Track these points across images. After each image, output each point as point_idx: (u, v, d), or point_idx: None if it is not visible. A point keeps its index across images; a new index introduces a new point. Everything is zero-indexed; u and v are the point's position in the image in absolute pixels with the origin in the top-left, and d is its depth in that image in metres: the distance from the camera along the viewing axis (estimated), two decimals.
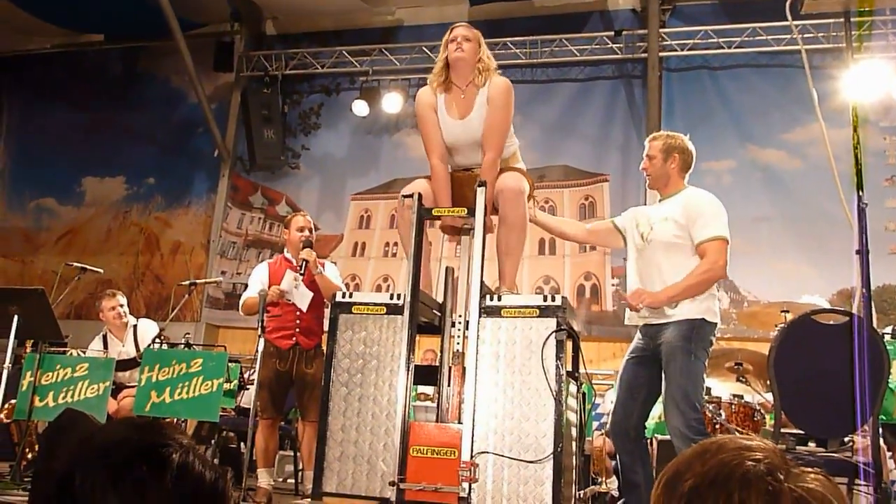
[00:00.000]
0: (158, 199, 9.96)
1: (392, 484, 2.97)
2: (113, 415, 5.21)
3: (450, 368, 3.27)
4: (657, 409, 4.00)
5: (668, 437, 3.69)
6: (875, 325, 3.77)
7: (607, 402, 6.16)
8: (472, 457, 2.95)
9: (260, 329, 4.49)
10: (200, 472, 1.04)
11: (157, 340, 5.36)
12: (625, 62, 8.68)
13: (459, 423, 3.07)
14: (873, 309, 3.58)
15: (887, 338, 5.07)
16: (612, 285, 7.91)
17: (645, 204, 7.94)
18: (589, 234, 4.20)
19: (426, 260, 3.60)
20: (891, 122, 7.89)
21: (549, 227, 4.11)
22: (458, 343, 3.25)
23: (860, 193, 3.52)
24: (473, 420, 3.02)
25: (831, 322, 3.29)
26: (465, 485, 2.92)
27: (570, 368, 3.48)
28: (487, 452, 3.04)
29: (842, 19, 7.65)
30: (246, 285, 5.14)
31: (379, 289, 8.61)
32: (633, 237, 3.76)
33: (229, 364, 5.23)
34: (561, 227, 4.25)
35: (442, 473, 2.97)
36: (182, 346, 5.67)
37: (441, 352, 3.38)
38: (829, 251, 7.33)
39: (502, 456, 3.02)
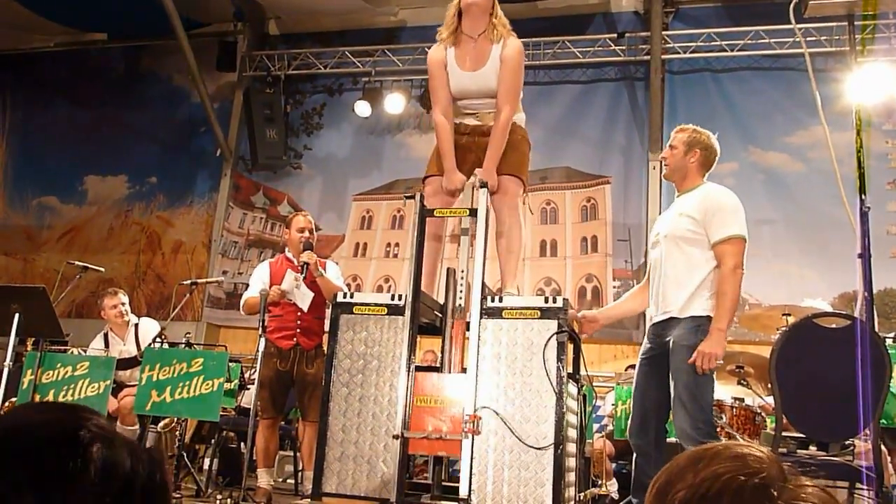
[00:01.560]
0: (160, 198, 9.96)
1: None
2: (113, 413, 5.22)
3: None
4: None
5: (673, 438, 3.68)
6: (877, 328, 3.76)
7: (608, 405, 6.16)
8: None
9: (261, 329, 4.50)
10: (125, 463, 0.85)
11: (158, 339, 5.36)
12: (627, 64, 8.67)
13: None
14: (875, 313, 3.58)
15: (889, 342, 5.07)
16: (614, 287, 7.90)
17: (647, 207, 7.98)
18: (644, 284, 3.87)
19: (432, 259, 3.60)
20: (894, 126, 7.88)
21: (620, 315, 3.96)
22: (461, 298, 3.25)
23: (863, 197, 3.52)
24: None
25: (833, 326, 3.29)
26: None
27: (570, 370, 3.48)
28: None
29: (845, 22, 7.65)
30: (247, 285, 5.14)
31: (380, 289, 8.60)
32: (653, 242, 3.73)
33: (230, 364, 5.23)
34: (624, 308, 4.01)
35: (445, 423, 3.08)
36: (183, 345, 5.67)
37: (442, 353, 3.38)
38: (831, 254, 7.32)
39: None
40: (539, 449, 3.00)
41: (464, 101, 3.70)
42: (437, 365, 3.44)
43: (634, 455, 3.68)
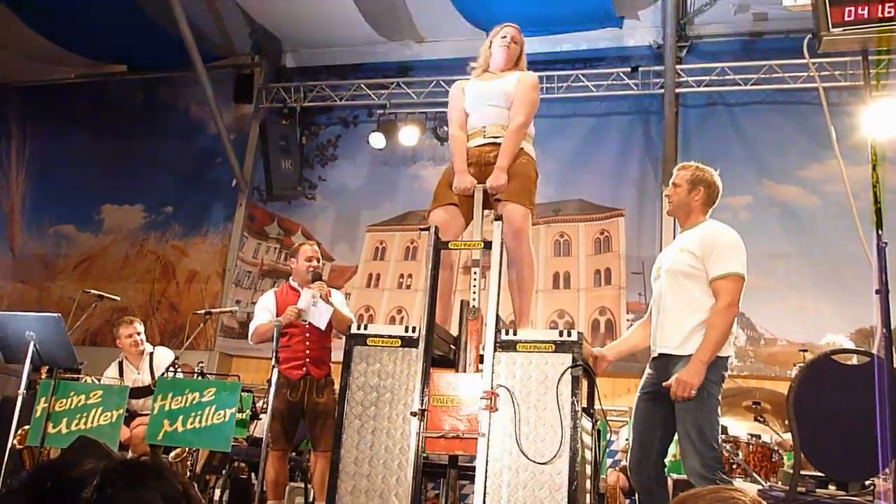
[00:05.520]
0: (176, 228, 10.03)
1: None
2: (125, 442, 5.21)
3: None
4: (673, 447, 3.94)
5: (684, 476, 3.63)
6: (895, 365, 3.71)
7: (622, 439, 6.09)
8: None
9: (274, 359, 4.48)
10: None
11: (172, 369, 5.37)
12: (641, 98, 8.71)
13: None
14: (893, 349, 3.53)
15: None
16: (627, 320, 7.86)
17: (661, 239, 7.95)
18: (648, 318, 3.83)
19: (446, 292, 3.60)
20: None
21: (627, 351, 3.93)
22: (474, 294, 3.27)
23: (880, 232, 3.49)
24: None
25: (852, 362, 3.25)
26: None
27: (585, 404, 3.45)
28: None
29: (859, 57, 7.64)
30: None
31: (392, 321, 8.60)
32: (655, 277, 3.72)
33: (242, 393, 5.22)
34: (630, 343, 3.94)
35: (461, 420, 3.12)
36: (196, 374, 5.67)
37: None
38: (847, 289, 7.26)
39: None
40: (553, 484, 2.97)
41: (475, 115, 3.80)
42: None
43: (637, 494, 3.63)
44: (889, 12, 2.97)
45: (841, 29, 3.04)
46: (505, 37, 3.91)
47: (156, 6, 8.45)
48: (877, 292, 3.48)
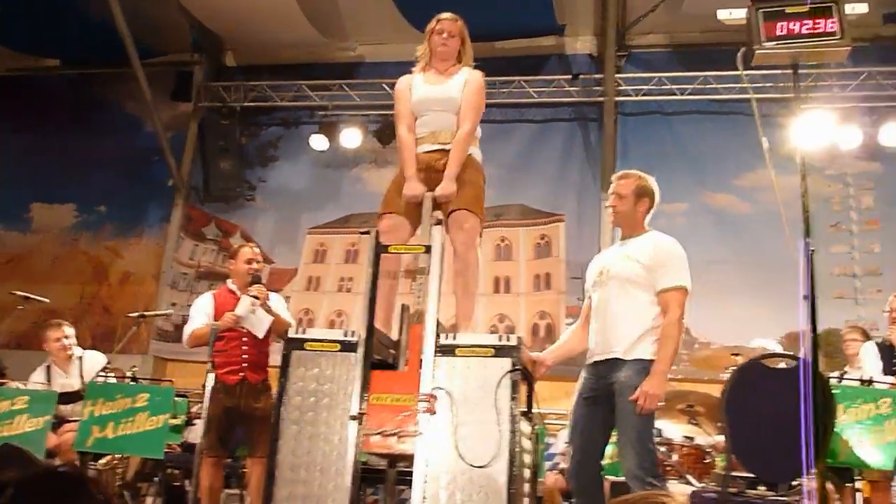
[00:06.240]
0: (109, 228, 9.76)
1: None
2: (52, 450, 5.03)
3: None
4: (609, 450, 3.99)
5: (621, 478, 3.69)
6: (822, 368, 3.83)
7: (560, 442, 6.15)
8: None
9: (210, 364, 4.38)
10: None
11: (103, 373, 5.21)
12: (581, 105, 8.84)
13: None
14: (820, 353, 3.65)
15: (833, 381, 5.17)
16: (567, 325, 7.94)
17: (601, 244, 8.07)
18: (583, 323, 3.87)
19: (388, 296, 3.58)
20: (836, 171, 8.15)
21: (565, 355, 3.94)
22: (419, 299, 3.26)
23: (808, 239, 3.60)
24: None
25: (780, 366, 3.34)
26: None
27: (523, 408, 3.47)
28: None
29: (790, 71, 7.90)
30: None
31: (332, 324, 8.53)
32: (595, 282, 3.76)
33: (176, 398, 5.10)
34: (568, 347, 3.94)
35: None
36: (128, 379, 5.52)
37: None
38: (778, 294, 7.47)
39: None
40: (492, 487, 2.97)
41: (423, 118, 3.75)
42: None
43: (576, 498, 3.67)
44: (818, 28, 3.07)
45: (773, 43, 3.12)
46: (441, 32, 3.80)
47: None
48: (805, 298, 3.59)
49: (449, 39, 3.79)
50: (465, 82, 3.75)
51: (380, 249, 3.35)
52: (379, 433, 3.06)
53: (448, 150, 3.65)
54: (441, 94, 3.74)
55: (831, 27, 3.06)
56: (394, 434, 3.05)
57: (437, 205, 3.64)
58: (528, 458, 3.37)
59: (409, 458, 3.06)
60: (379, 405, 3.11)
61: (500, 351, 3.14)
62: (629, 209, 3.69)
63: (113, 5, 7.93)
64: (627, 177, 3.76)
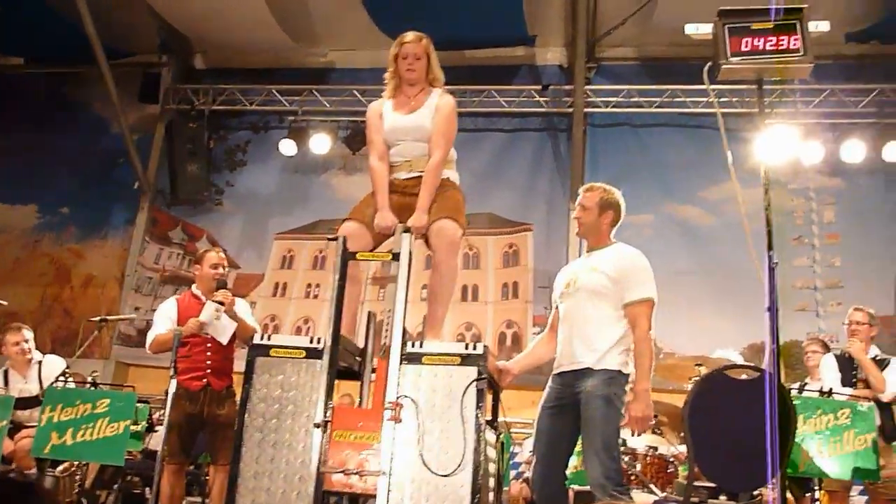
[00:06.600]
0: (72, 230, 9.61)
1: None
2: (8, 457, 4.93)
3: None
4: (574, 459, 4.01)
5: (585, 487, 3.70)
6: (783, 379, 3.90)
7: (525, 451, 6.16)
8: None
9: (173, 370, 4.32)
10: None
11: (63, 378, 5.11)
12: (551, 115, 8.91)
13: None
14: (781, 364, 3.71)
15: (794, 392, 5.26)
16: (534, 334, 7.98)
17: (568, 254, 8.12)
18: (550, 333, 3.89)
19: (352, 303, 3.56)
20: (799, 185, 8.31)
21: (531, 364, 3.96)
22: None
23: (771, 252, 3.66)
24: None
25: (743, 377, 3.39)
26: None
27: (489, 417, 3.48)
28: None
29: (755, 86, 8.04)
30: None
31: (299, 331, 8.47)
32: (563, 292, 3.78)
33: (138, 404, 5.03)
34: (534, 356, 3.94)
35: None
36: (89, 384, 5.42)
37: (360, 398, 3.33)
38: (742, 305, 7.58)
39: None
40: (456, 497, 2.97)
41: (397, 147, 3.71)
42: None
43: None
44: (782, 45, 3.13)
45: (738, 58, 3.18)
46: (406, 57, 3.71)
47: None
48: (767, 310, 3.65)
49: (415, 62, 3.71)
50: (436, 109, 3.69)
51: (347, 256, 3.33)
52: (341, 471, 3.02)
53: (421, 175, 3.63)
54: (412, 124, 3.69)
55: (795, 44, 3.13)
56: (356, 473, 3.02)
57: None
58: (493, 468, 3.37)
59: (371, 497, 3.01)
60: (342, 442, 3.06)
61: (466, 359, 3.14)
62: (593, 221, 3.72)
63: (80, 4, 7.82)
64: (593, 189, 3.80)
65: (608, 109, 8.67)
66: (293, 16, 8.76)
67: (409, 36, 3.75)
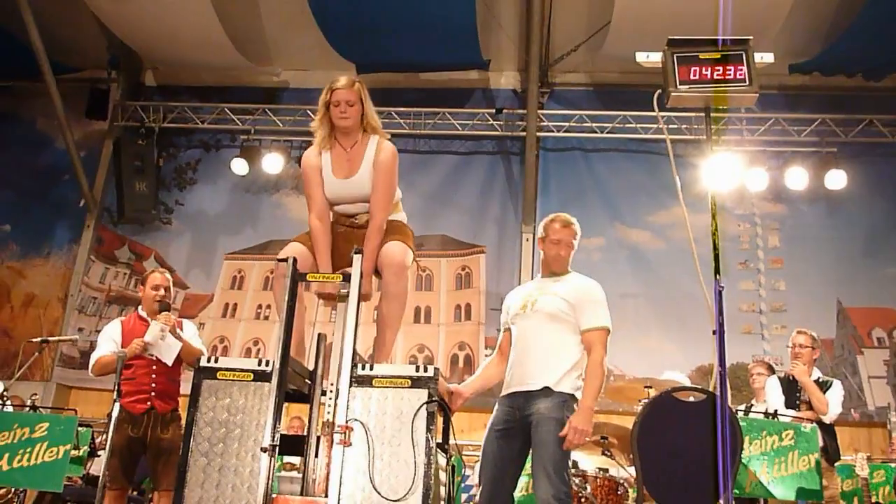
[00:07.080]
0: (13, 248, 9.33)
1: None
2: None
3: (318, 438, 3.16)
4: (523, 481, 4.01)
5: None
6: (729, 402, 3.95)
7: (476, 474, 6.14)
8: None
9: (116, 393, 4.21)
10: None
11: (0, 400, 4.94)
12: (504, 139, 8.99)
13: (326, 496, 2.96)
14: (728, 387, 3.77)
15: (740, 414, 5.35)
16: (486, 355, 7.98)
17: (520, 276, 8.16)
18: (500, 355, 3.90)
19: (300, 324, 3.51)
20: (744, 211, 8.52)
21: (483, 387, 3.94)
22: (328, 412, 3.15)
23: (717, 276, 3.73)
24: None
25: (690, 399, 3.43)
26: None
27: (440, 440, 3.45)
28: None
29: (702, 114, 8.24)
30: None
31: (249, 352, 8.34)
32: (517, 314, 3.79)
33: (80, 428, 4.88)
34: (486, 378, 3.93)
35: None
36: (27, 408, 5.24)
37: (309, 421, 3.27)
38: (689, 329, 7.71)
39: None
40: None
41: (343, 207, 3.65)
42: (304, 433, 3.32)
43: None
44: (728, 75, 3.21)
45: (687, 87, 3.25)
46: (338, 104, 3.48)
47: (3, 10, 7.91)
48: (714, 333, 3.71)
49: (348, 109, 3.49)
50: (375, 164, 3.52)
51: (297, 277, 3.29)
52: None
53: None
54: (353, 190, 3.56)
55: (741, 74, 3.21)
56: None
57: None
58: (443, 491, 3.35)
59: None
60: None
61: (416, 382, 3.12)
62: (567, 256, 3.81)
63: (26, 17, 7.66)
64: (570, 225, 3.84)
65: (560, 134, 8.79)
66: (246, 34, 8.70)
67: (342, 81, 3.53)
